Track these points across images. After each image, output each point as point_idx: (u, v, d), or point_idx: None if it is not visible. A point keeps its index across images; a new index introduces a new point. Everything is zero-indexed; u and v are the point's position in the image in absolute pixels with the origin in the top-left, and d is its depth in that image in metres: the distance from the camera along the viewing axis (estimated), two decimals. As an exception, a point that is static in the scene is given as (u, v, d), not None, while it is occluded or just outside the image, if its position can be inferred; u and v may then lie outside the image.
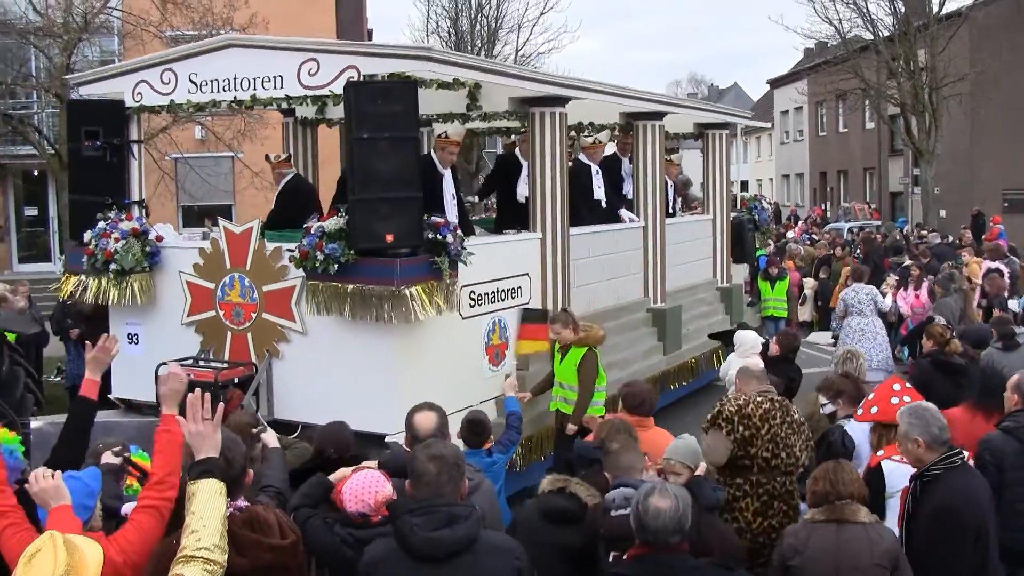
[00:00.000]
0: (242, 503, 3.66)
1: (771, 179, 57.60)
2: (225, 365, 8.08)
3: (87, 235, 8.59)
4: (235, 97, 8.23)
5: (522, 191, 10.55)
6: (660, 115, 12.16)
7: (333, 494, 4.70)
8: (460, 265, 7.95)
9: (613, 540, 4.65)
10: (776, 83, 54.46)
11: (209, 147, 21.86)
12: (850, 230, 26.55)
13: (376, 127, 7.19)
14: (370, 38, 30.54)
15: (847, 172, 46.65)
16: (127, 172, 8.90)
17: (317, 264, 7.39)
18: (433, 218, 7.68)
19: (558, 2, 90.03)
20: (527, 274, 9.57)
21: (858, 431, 6.67)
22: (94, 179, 8.74)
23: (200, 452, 3.49)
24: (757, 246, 16.29)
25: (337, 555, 4.47)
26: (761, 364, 7.90)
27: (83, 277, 8.70)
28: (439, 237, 7.54)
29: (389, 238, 7.26)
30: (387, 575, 3.90)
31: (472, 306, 8.67)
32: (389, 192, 7.25)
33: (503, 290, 9.18)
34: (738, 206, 16.20)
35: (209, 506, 3.32)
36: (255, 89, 8.11)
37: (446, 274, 7.58)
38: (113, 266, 8.39)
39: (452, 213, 9.40)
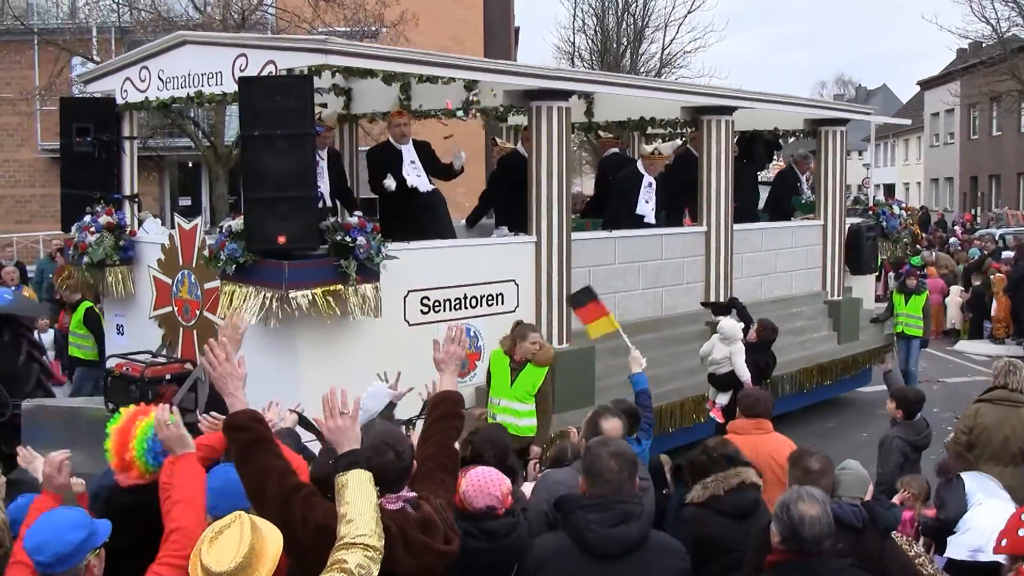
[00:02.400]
0: (408, 493, 3.64)
1: (919, 183, 54.16)
2: (164, 362, 8.09)
3: (73, 228, 8.90)
4: (188, 94, 8.22)
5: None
6: (729, 110, 11.09)
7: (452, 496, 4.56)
8: (406, 269, 7.58)
9: None
10: (927, 84, 51.41)
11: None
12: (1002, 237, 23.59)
13: (268, 124, 6.90)
14: (516, 36, 30.10)
15: (999, 177, 43.07)
16: (118, 168, 9.12)
17: (220, 264, 7.24)
18: (348, 219, 7.31)
19: (705, 0, 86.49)
20: (514, 280, 8.97)
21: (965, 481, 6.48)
22: (85, 174, 9.02)
23: (342, 446, 3.55)
24: (886, 255, 14.50)
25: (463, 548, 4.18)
26: None
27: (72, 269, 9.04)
28: (347, 240, 7.15)
29: (281, 240, 6.96)
30: (558, 571, 3.86)
31: (424, 312, 8.21)
32: (282, 192, 6.93)
33: (475, 297, 8.64)
34: (868, 211, 14.45)
35: (361, 495, 3.37)
36: (202, 85, 8.06)
37: (352, 279, 7.17)
38: (85, 259, 8.64)
39: (414, 179, 9.08)
